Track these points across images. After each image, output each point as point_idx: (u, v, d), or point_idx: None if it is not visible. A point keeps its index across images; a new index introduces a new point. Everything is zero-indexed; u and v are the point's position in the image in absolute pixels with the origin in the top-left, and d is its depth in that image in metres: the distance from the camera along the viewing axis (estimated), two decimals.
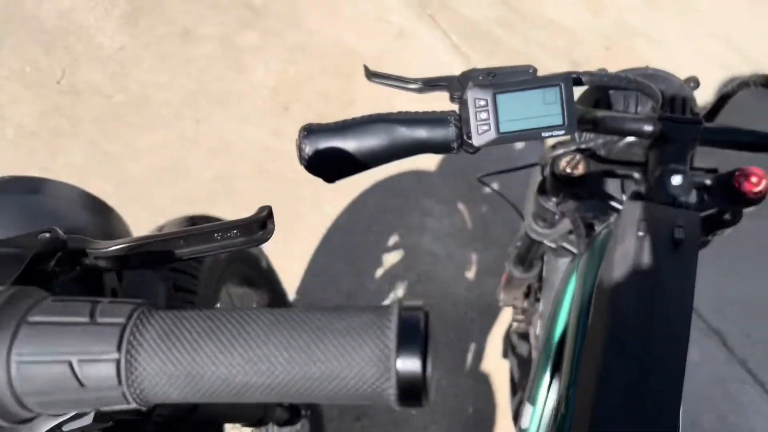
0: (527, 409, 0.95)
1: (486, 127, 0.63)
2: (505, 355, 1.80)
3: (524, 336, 1.66)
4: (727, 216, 0.78)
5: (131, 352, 0.28)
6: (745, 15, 3.19)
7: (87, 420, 0.54)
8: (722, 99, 0.81)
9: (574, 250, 1.02)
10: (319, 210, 1.91)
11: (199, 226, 0.35)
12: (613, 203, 0.77)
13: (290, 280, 1.75)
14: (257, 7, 2.34)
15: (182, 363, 0.27)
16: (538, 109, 0.63)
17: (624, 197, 0.95)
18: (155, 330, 0.28)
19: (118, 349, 0.27)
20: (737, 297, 2.10)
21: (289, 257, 1.78)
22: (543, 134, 0.63)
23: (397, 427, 1.59)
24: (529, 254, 1.15)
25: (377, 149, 0.65)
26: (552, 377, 0.92)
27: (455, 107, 0.67)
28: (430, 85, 0.70)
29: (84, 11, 2.13)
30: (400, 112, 0.66)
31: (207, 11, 2.27)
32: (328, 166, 0.66)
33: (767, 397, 1.90)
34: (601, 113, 0.75)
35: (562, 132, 0.63)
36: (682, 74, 0.95)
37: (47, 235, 0.34)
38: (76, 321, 0.28)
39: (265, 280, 1.34)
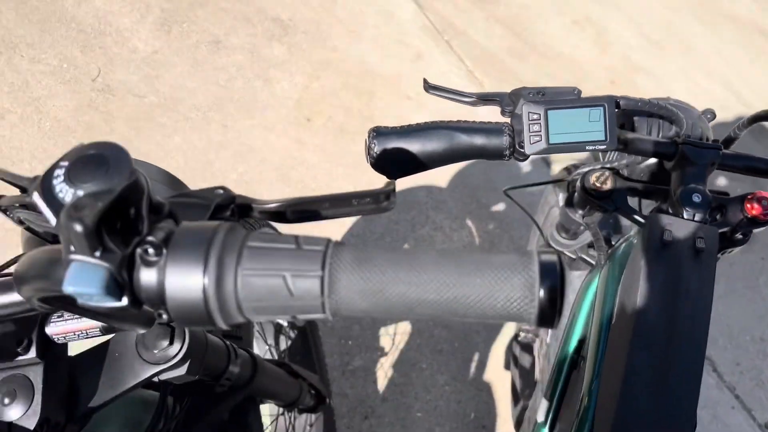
0: (543, 404, 1.03)
1: (537, 138, 0.72)
2: (507, 366, 1.88)
3: (527, 348, 1.74)
4: (738, 235, 0.87)
5: (332, 271, 0.36)
6: (742, 59, 3.34)
7: (182, 371, 0.62)
8: (739, 129, 0.91)
9: (592, 261, 1.11)
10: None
11: (342, 193, 0.44)
12: (636, 216, 0.86)
13: None
14: (285, 22, 2.45)
15: (370, 281, 0.35)
16: (583, 126, 0.72)
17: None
18: (349, 256, 0.36)
19: (322, 268, 0.35)
20: (729, 327, 2.20)
21: None
22: (587, 147, 0.72)
23: (404, 428, 1.66)
24: None
25: (438, 152, 0.74)
26: (569, 375, 1.00)
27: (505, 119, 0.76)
28: (483, 99, 0.79)
29: (120, 14, 2.22)
30: (459, 121, 0.75)
31: (237, 23, 2.37)
32: (393, 164, 0.75)
33: (754, 423, 1.99)
34: (632, 135, 0.85)
35: (604, 147, 0.72)
36: None
37: (221, 191, 0.43)
38: (286, 247, 0.36)
39: None
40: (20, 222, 0.49)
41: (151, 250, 0.34)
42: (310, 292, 0.35)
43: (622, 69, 2.96)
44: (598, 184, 0.87)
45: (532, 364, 1.71)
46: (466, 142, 0.74)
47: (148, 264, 0.34)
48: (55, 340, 0.56)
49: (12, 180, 0.45)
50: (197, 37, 2.27)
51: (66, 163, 0.37)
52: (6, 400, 0.54)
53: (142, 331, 0.59)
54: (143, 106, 2.01)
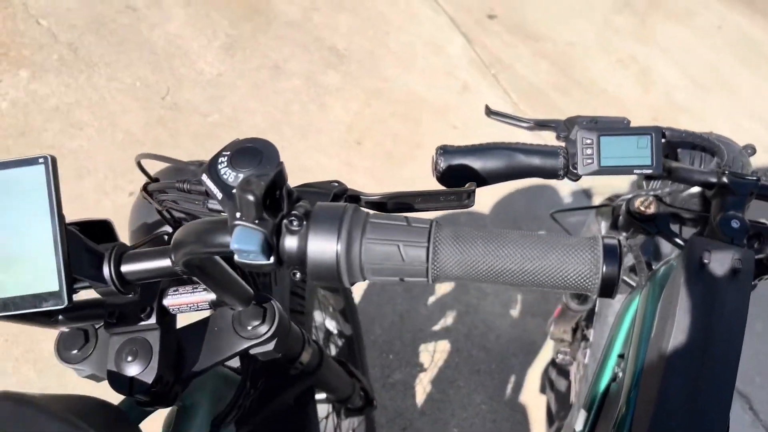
0: (582, 414, 1.09)
1: (590, 161, 0.80)
2: (542, 390, 1.93)
3: (563, 372, 1.79)
4: None
5: (435, 243, 0.44)
6: None
7: (269, 347, 0.71)
8: None
9: (632, 284, 1.18)
10: None
11: (432, 189, 0.53)
12: (677, 240, 0.93)
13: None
14: (341, 52, 2.59)
15: (466, 254, 0.44)
16: (632, 151, 0.80)
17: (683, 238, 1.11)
18: (449, 232, 0.45)
19: (428, 240, 0.44)
20: (767, 365, 2.20)
21: None
22: (634, 171, 0.80)
23: None
24: None
25: (498, 169, 0.82)
26: (607, 389, 1.06)
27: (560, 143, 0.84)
28: (540, 125, 0.88)
29: (189, 39, 2.39)
30: (518, 143, 0.84)
31: (296, 50, 2.51)
32: (456, 179, 0.83)
33: None
34: (676, 164, 0.92)
35: (650, 171, 0.80)
36: None
37: (336, 184, 0.52)
38: (399, 224, 0.45)
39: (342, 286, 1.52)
40: (160, 203, 0.60)
41: (295, 222, 0.43)
42: (418, 258, 0.44)
43: (665, 108, 3.01)
44: (642, 208, 0.94)
45: (568, 388, 1.75)
46: (524, 162, 0.82)
47: (292, 232, 0.44)
48: (170, 310, 0.66)
49: (178, 166, 0.55)
50: (258, 62, 2.41)
51: (228, 153, 0.47)
52: (129, 358, 0.63)
53: (240, 309, 0.68)
54: (207, 125, 2.15)
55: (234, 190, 0.45)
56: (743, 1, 3.89)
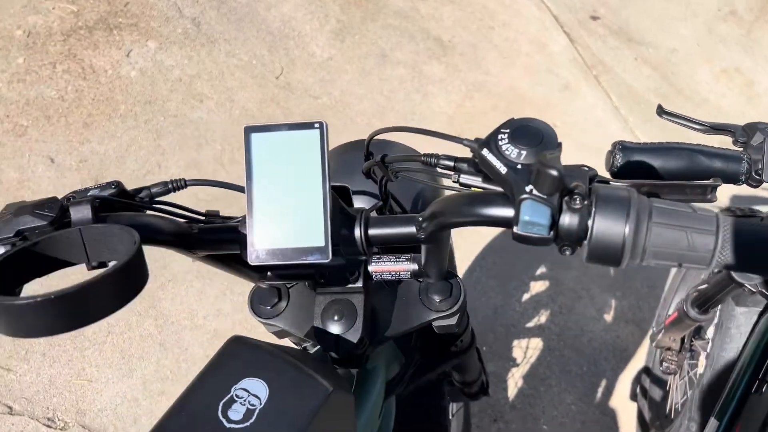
0: (712, 424, 1.09)
1: None
2: (632, 397, 1.91)
3: (658, 381, 1.77)
4: None
5: (724, 232, 0.46)
6: None
7: (452, 321, 0.73)
8: None
9: None
10: (478, 230, 2.10)
11: (678, 182, 0.55)
12: None
13: None
14: (445, 43, 2.61)
15: (754, 244, 0.46)
16: None
17: None
18: (736, 222, 0.46)
19: (717, 228, 0.46)
20: None
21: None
22: None
23: None
24: (715, 297, 1.29)
25: (678, 169, 0.83)
26: (744, 398, 1.06)
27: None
28: (716, 128, 0.88)
29: (302, 21, 2.45)
30: (699, 144, 0.84)
31: (402, 40, 2.54)
32: (632, 176, 0.84)
33: None
34: None
35: None
36: None
37: (586, 168, 0.55)
38: (685, 210, 0.46)
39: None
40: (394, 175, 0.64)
41: (578, 200, 0.46)
42: (705, 246, 0.45)
43: None
44: None
45: (664, 397, 1.74)
46: (705, 164, 0.82)
47: (573, 210, 0.46)
48: (373, 276, 0.69)
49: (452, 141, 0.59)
50: (366, 48, 2.46)
51: (507, 131, 0.50)
52: (336, 317, 0.67)
53: (431, 281, 0.71)
54: (317, 106, 2.21)
55: (519, 165, 0.48)
56: None
